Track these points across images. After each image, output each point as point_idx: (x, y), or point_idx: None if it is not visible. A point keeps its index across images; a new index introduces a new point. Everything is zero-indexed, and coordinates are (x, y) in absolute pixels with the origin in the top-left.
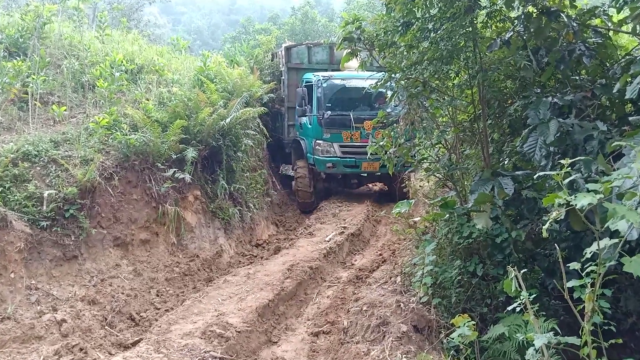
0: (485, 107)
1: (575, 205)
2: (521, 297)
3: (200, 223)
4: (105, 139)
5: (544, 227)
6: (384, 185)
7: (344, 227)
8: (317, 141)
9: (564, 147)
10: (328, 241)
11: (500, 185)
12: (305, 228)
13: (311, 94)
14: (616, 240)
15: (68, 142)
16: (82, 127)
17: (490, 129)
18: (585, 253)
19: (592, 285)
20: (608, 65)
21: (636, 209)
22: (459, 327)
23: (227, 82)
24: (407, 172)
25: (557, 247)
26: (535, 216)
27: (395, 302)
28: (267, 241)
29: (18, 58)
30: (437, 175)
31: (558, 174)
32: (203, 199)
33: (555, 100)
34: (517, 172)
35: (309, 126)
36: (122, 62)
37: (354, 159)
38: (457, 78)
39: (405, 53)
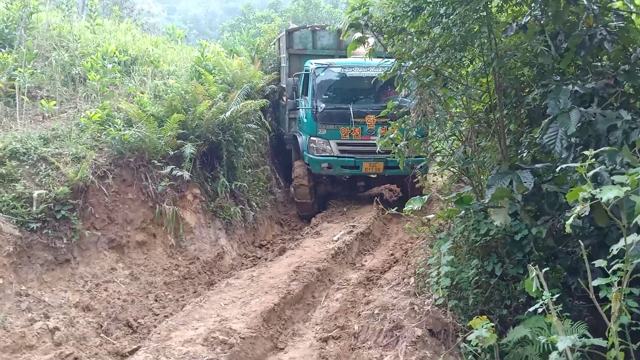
0: (501, 96)
1: (601, 199)
2: (543, 298)
3: (200, 223)
4: (98, 135)
5: (567, 222)
6: (392, 191)
7: (353, 226)
8: (312, 138)
9: (586, 138)
10: (336, 241)
11: (519, 179)
12: (311, 227)
13: (307, 84)
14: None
15: (58, 139)
16: (73, 122)
17: (507, 120)
18: (612, 250)
19: (619, 284)
20: (631, 50)
21: None
22: (476, 329)
23: (227, 74)
24: (418, 166)
25: (582, 244)
26: (556, 212)
27: (409, 304)
28: (271, 242)
29: (3, 50)
30: (452, 169)
31: (581, 166)
32: (203, 198)
33: (576, 88)
34: (536, 165)
35: (305, 121)
36: (114, 53)
37: (353, 159)
38: (471, 66)
39: (415, 40)
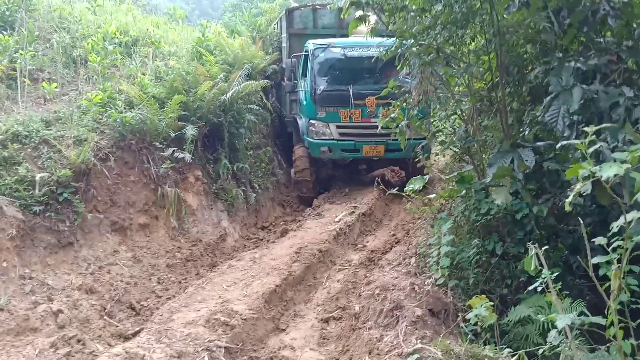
0: (503, 73)
1: (601, 176)
2: (542, 276)
3: (202, 205)
4: (100, 117)
5: (567, 200)
6: (394, 172)
7: (354, 207)
8: (311, 121)
9: (588, 115)
10: (337, 222)
11: (520, 157)
12: (313, 209)
13: (306, 65)
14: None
15: (60, 122)
16: (75, 105)
17: (509, 98)
18: (612, 227)
19: (619, 261)
20: (635, 26)
21: None
22: (475, 308)
23: (228, 54)
24: (419, 146)
25: (581, 222)
26: (557, 190)
27: (410, 284)
28: (273, 223)
29: (4, 32)
30: (453, 148)
31: (582, 143)
32: (205, 180)
33: (578, 65)
34: (538, 143)
35: (304, 103)
36: (114, 34)
37: (353, 142)
38: (473, 43)
39: (417, 17)
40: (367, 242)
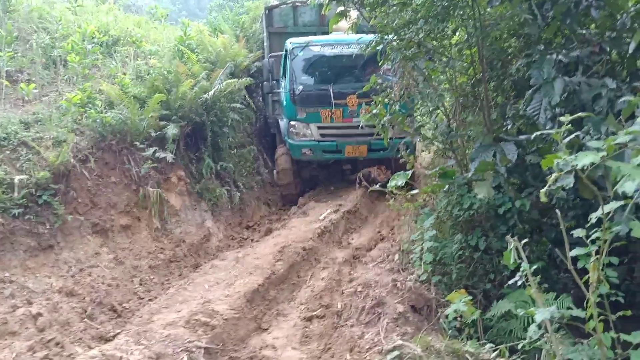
0: (485, 67)
1: (577, 165)
2: (522, 270)
3: (185, 206)
4: (79, 118)
5: (542, 191)
6: (380, 169)
7: (339, 205)
8: (291, 122)
9: (571, 107)
10: (322, 220)
11: (503, 151)
12: (298, 207)
13: (285, 65)
14: (621, 202)
15: (39, 123)
16: (54, 106)
17: (493, 92)
18: (590, 219)
19: (598, 253)
20: (619, 17)
21: None
22: (454, 303)
23: (210, 52)
24: (402, 142)
25: (559, 214)
26: (540, 183)
27: (392, 281)
28: (258, 222)
29: None
30: (436, 143)
31: (557, 133)
32: (187, 180)
33: (560, 57)
34: (520, 137)
35: (284, 104)
36: (94, 34)
37: (335, 143)
38: (454, 37)
39: (398, 11)
40: (352, 239)
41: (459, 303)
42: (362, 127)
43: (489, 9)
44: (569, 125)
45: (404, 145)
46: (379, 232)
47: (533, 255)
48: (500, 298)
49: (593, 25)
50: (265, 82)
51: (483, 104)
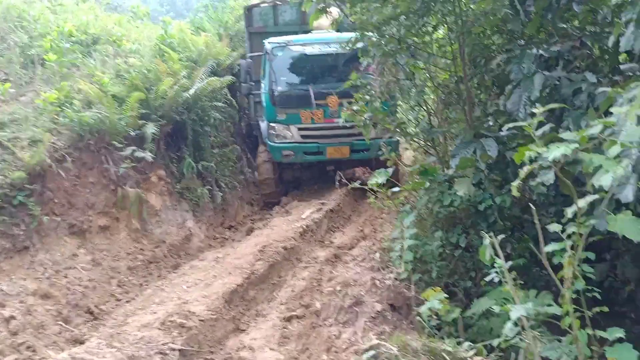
0: (466, 64)
1: (548, 158)
2: (495, 266)
3: (165, 206)
4: (57, 117)
5: (513, 184)
6: (367, 171)
7: (322, 203)
8: (271, 124)
9: (552, 102)
10: (304, 219)
11: (483, 147)
12: (281, 206)
13: (264, 65)
14: (596, 196)
15: (15, 123)
16: (32, 105)
17: (477, 89)
18: (566, 214)
19: (574, 249)
20: (600, 11)
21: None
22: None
23: (192, 51)
24: (383, 140)
25: (534, 209)
26: (521, 180)
27: (370, 279)
28: (241, 222)
29: None
30: (417, 140)
31: (529, 125)
32: (168, 180)
33: (540, 52)
34: (501, 133)
35: (265, 105)
36: (71, 32)
37: (316, 145)
38: (435, 33)
39: (378, 7)
40: (335, 238)
41: (434, 301)
42: (343, 123)
43: (472, 6)
44: (545, 120)
45: (385, 144)
46: (361, 230)
47: (515, 253)
48: (481, 296)
49: (577, 21)
50: (242, 84)
51: (464, 99)
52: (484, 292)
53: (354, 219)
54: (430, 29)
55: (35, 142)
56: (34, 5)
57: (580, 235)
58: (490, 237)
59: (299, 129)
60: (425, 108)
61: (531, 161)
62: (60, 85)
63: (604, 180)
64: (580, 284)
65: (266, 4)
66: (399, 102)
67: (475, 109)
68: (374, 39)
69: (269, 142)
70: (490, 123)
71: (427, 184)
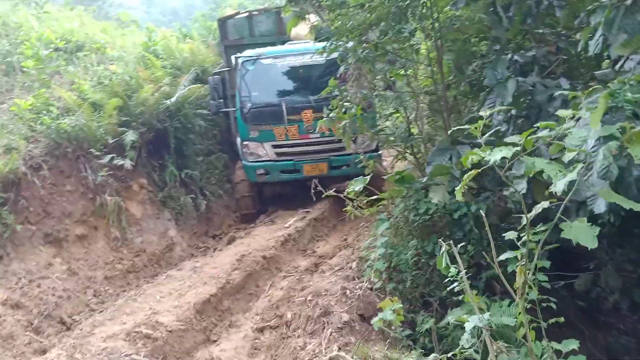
0: (443, 70)
1: (489, 161)
2: (450, 275)
3: (147, 214)
4: (34, 125)
5: (457, 189)
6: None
7: (307, 212)
8: (244, 142)
9: (526, 109)
10: (287, 227)
11: (459, 154)
12: (266, 215)
13: (235, 81)
14: (547, 203)
15: None
16: (11, 113)
17: (464, 97)
18: (523, 221)
19: (531, 257)
20: (579, 16)
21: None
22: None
23: (177, 58)
24: (363, 146)
25: (484, 216)
26: (497, 187)
27: (341, 289)
28: (225, 231)
29: None
30: (395, 147)
31: (475, 128)
32: (150, 188)
33: (515, 57)
34: (478, 140)
35: (238, 123)
36: (49, 39)
37: (292, 162)
38: (414, 39)
39: (357, 13)
40: (318, 247)
41: (387, 311)
42: (319, 138)
43: (450, 9)
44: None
45: (364, 153)
46: (345, 239)
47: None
48: (456, 306)
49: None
50: (211, 102)
51: (441, 105)
52: (459, 302)
53: (339, 228)
54: (407, 34)
55: (10, 149)
56: (18, 12)
57: (537, 243)
58: (445, 244)
59: (273, 146)
60: (404, 115)
61: (475, 166)
62: (37, 92)
63: (558, 185)
64: (534, 294)
65: (240, 15)
66: (377, 109)
67: (459, 116)
68: (349, 45)
69: (243, 161)
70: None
71: (404, 191)
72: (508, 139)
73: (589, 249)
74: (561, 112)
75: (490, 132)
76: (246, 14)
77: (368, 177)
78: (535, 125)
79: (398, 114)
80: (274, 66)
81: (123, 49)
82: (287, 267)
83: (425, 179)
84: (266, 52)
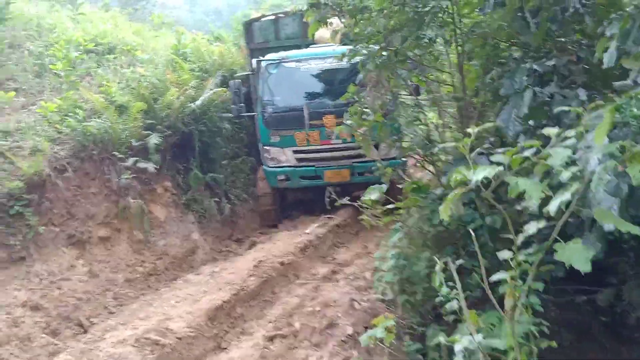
0: (464, 76)
1: (471, 180)
2: (443, 294)
3: (170, 217)
4: (59, 127)
5: (440, 208)
6: None
7: (329, 218)
8: (265, 147)
9: (545, 120)
10: (308, 234)
11: (476, 164)
12: (290, 220)
13: (257, 85)
14: (542, 224)
15: (20, 132)
16: (38, 114)
17: (490, 103)
18: (516, 241)
19: (525, 278)
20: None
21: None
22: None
23: (206, 61)
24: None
25: (472, 233)
26: (515, 199)
27: (349, 301)
28: (248, 235)
29: None
30: (413, 155)
31: (463, 147)
32: (174, 191)
33: (534, 66)
34: (498, 150)
35: (260, 128)
36: (78, 41)
37: (313, 168)
38: (432, 46)
39: (378, 19)
40: (338, 254)
41: (378, 329)
42: (341, 144)
43: (477, 14)
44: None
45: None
46: (365, 246)
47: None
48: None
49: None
50: (232, 106)
51: (462, 114)
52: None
53: (361, 235)
54: (427, 41)
55: (36, 151)
56: (53, 15)
57: (532, 263)
58: (440, 262)
59: (294, 152)
60: (424, 122)
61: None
62: (65, 94)
63: (551, 207)
64: (525, 317)
65: (266, 18)
66: (397, 116)
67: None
68: (364, 51)
69: (264, 167)
70: (492, 139)
71: (420, 201)
72: (493, 158)
73: (612, 264)
74: (547, 131)
75: (477, 151)
76: (272, 17)
77: (385, 186)
78: (519, 144)
79: (419, 122)
80: (297, 70)
81: (154, 51)
82: (305, 274)
83: (437, 190)
84: (289, 56)
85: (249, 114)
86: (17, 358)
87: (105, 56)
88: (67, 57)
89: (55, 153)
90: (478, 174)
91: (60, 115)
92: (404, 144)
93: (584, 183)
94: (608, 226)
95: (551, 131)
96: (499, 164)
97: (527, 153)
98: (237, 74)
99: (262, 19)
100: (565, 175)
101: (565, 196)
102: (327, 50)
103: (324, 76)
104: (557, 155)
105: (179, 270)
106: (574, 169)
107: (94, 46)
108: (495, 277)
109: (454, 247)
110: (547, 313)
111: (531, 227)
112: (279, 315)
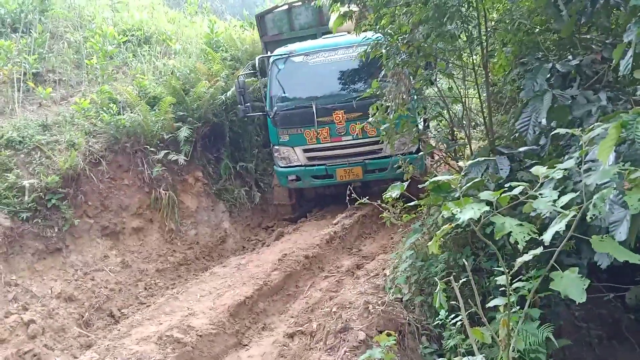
0: (488, 71)
1: (458, 220)
2: (443, 318)
3: (201, 207)
4: (94, 120)
5: (429, 244)
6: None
7: (357, 208)
8: (275, 147)
9: (567, 123)
10: (335, 224)
11: (496, 165)
12: (320, 209)
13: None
14: (530, 256)
15: (58, 126)
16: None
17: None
18: (513, 268)
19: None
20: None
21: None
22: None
23: (238, 50)
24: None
25: (466, 262)
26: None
27: (364, 304)
28: (277, 223)
29: (16, 35)
30: (437, 153)
31: (454, 179)
32: (205, 181)
33: (556, 66)
34: (519, 150)
35: (268, 127)
36: (112, 35)
37: (324, 166)
38: (456, 41)
39: (401, 14)
40: (364, 245)
41: (376, 350)
42: (351, 141)
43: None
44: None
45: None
46: (392, 238)
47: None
48: (489, 321)
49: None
50: (239, 106)
51: (483, 112)
52: (490, 318)
53: (390, 226)
54: (448, 37)
55: (71, 145)
56: (92, 3)
57: (529, 290)
58: (441, 282)
59: (305, 151)
60: (448, 119)
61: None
62: (99, 88)
63: (546, 237)
64: (522, 345)
65: (279, 9)
66: (419, 112)
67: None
68: (383, 50)
69: (275, 167)
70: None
71: (441, 200)
72: (481, 195)
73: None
74: (535, 170)
75: (468, 185)
76: (285, 7)
77: (406, 184)
78: (506, 185)
79: (441, 118)
80: (305, 64)
81: (188, 40)
82: (329, 266)
83: (456, 193)
84: (298, 49)
85: (255, 114)
86: (51, 350)
87: (141, 46)
88: (103, 50)
89: (90, 147)
90: (465, 214)
91: (96, 109)
92: (427, 140)
93: (579, 212)
94: (620, 235)
95: (539, 171)
96: (488, 202)
97: (515, 191)
98: (243, 72)
99: (275, 10)
100: (563, 200)
101: (560, 225)
102: (338, 41)
103: (335, 69)
104: (541, 202)
105: (209, 260)
106: (566, 198)
107: (131, 36)
108: (491, 303)
109: (472, 248)
110: (581, 306)
111: (520, 261)
112: (302, 309)
